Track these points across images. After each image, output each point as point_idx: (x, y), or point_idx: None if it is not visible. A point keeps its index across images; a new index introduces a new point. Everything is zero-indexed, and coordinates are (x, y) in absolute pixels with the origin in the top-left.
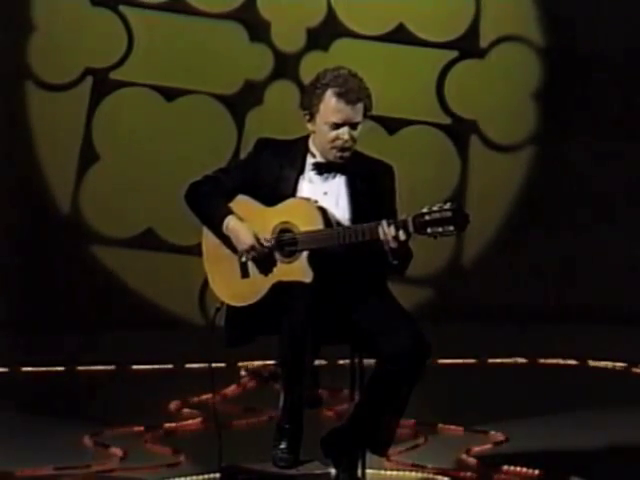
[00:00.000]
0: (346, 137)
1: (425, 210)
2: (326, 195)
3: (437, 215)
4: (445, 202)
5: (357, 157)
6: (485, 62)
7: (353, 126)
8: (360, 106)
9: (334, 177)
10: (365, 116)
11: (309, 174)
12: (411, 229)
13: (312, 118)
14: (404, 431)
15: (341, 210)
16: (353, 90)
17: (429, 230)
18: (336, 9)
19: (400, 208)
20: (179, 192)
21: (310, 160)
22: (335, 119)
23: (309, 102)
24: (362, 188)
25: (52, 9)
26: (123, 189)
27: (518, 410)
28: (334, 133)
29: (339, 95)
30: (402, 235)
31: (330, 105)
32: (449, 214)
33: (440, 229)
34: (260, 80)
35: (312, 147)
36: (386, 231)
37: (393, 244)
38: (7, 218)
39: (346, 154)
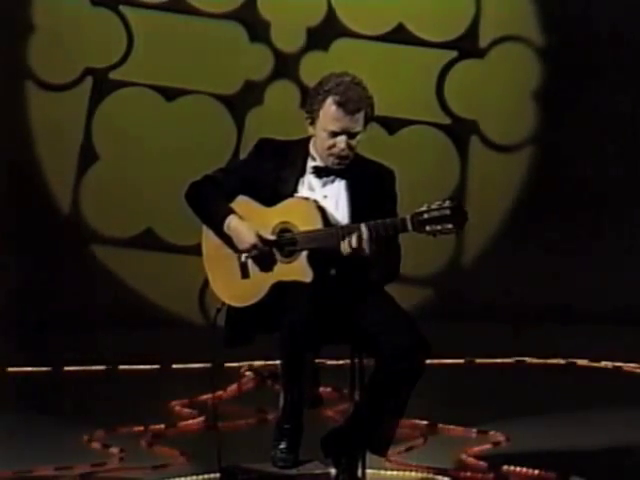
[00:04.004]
0: (342, 146)
1: (424, 208)
2: (326, 198)
3: (436, 213)
4: (444, 200)
5: (358, 160)
6: (485, 62)
7: (351, 135)
8: (359, 116)
9: (333, 182)
10: (366, 124)
11: (309, 177)
12: (410, 227)
13: (313, 122)
14: (404, 431)
15: (340, 213)
16: (353, 100)
17: (428, 228)
18: (336, 9)
19: (400, 208)
20: (179, 192)
21: (311, 163)
22: (333, 127)
23: (310, 107)
24: (362, 192)
25: (52, 9)
26: (123, 189)
27: (518, 410)
28: (331, 141)
29: (338, 104)
30: (366, 248)
31: (329, 113)
32: (448, 212)
33: (439, 227)
34: (260, 80)
35: (312, 150)
36: (344, 245)
37: (357, 255)
38: (7, 218)
39: (343, 162)
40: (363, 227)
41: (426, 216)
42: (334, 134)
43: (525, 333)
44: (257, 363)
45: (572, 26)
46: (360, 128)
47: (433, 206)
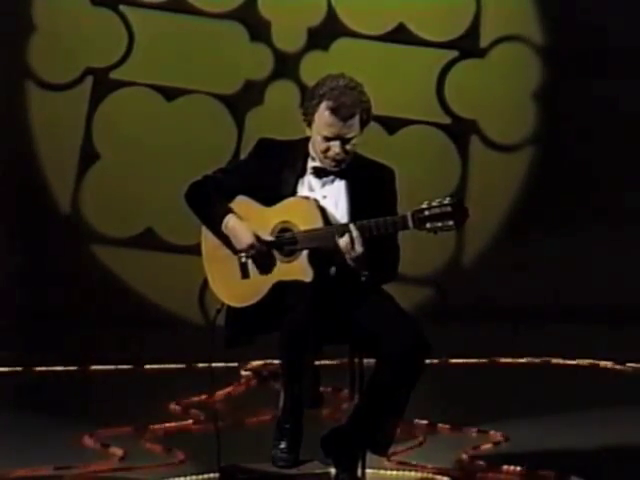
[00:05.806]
0: (337, 150)
1: (424, 205)
2: (325, 198)
3: (437, 210)
4: (445, 197)
5: (357, 160)
6: (485, 62)
7: (345, 140)
8: (353, 121)
9: (332, 182)
10: (363, 128)
11: (309, 177)
12: (410, 224)
13: (309, 125)
14: (404, 431)
15: (340, 213)
16: (346, 105)
17: (429, 225)
18: (336, 9)
19: (400, 208)
20: (179, 192)
21: (310, 163)
22: (326, 133)
23: (306, 110)
24: (362, 192)
25: (52, 9)
26: (123, 189)
27: (518, 410)
28: (326, 145)
29: (332, 110)
30: (358, 247)
31: (323, 118)
32: (449, 209)
33: (440, 224)
34: (260, 80)
35: (312, 151)
36: (345, 242)
37: (350, 254)
38: (7, 218)
39: (339, 165)
40: (352, 226)
41: (427, 213)
42: (328, 139)
43: (526, 333)
44: (257, 363)
45: (572, 26)
46: (355, 133)
47: (434, 203)
